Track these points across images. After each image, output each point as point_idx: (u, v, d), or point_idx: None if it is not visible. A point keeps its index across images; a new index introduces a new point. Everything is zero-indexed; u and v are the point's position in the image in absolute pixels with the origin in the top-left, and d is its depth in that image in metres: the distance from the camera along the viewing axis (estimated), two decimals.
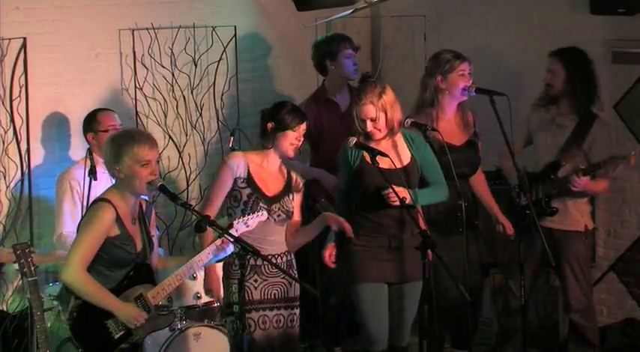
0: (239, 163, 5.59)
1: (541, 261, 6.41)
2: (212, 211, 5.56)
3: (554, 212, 6.34)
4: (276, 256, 5.63)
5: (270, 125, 5.57)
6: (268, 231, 5.58)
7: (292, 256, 5.75)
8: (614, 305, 7.20)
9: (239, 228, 5.25)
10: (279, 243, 5.66)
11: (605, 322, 7.11)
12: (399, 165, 5.64)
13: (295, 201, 5.71)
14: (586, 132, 6.34)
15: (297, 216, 5.72)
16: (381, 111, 5.64)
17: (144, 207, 5.27)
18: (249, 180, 5.58)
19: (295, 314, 5.72)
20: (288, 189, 5.69)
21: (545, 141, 6.40)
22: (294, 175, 5.74)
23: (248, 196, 5.56)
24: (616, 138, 6.75)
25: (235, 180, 5.58)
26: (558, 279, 6.62)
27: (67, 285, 5.10)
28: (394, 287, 5.76)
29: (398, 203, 5.51)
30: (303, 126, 5.61)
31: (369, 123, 5.66)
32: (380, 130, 5.68)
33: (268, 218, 5.48)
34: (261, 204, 5.52)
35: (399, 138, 5.78)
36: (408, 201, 5.53)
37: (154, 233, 5.38)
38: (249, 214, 5.33)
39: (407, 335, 5.87)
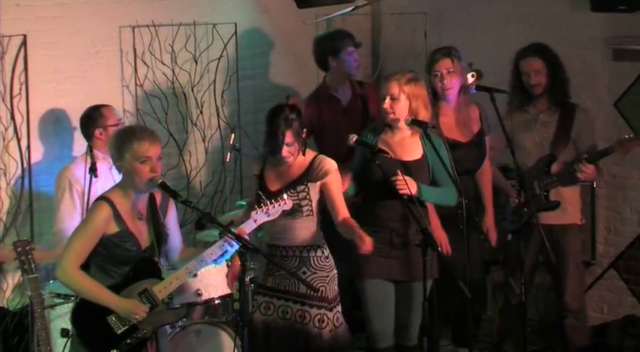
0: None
1: (538, 256, 6.41)
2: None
3: (557, 205, 6.30)
4: (287, 249, 5.58)
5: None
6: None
7: (309, 253, 5.59)
8: (615, 302, 7.20)
9: (259, 218, 5.16)
10: (289, 238, 5.57)
11: (606, 319, 7.11)
12: (406, 159, 5.66)
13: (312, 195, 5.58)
14: (571, 123, 6.38)
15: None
16: (403, 93, 5.64)
17: (158, 201, 5.24)
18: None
19: (308, 312, 5.53)
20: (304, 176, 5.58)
21: (533, 140, 6.40)
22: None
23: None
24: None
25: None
26: (553, 278, 6.52)
27: (62, 283, 5.10)
28: (401, 285, 5.74)
29: (406, 191, 5.48)
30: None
31: (387, 100, 5.66)
32: (394, 113, 5.67)
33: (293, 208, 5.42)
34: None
35: (416, 136, 5.75)
36: (414, 192, 5.51)
37: (173, 226, 5.32)
38: (270, 203, 5.23)
39: (415, 335, 5.84)
